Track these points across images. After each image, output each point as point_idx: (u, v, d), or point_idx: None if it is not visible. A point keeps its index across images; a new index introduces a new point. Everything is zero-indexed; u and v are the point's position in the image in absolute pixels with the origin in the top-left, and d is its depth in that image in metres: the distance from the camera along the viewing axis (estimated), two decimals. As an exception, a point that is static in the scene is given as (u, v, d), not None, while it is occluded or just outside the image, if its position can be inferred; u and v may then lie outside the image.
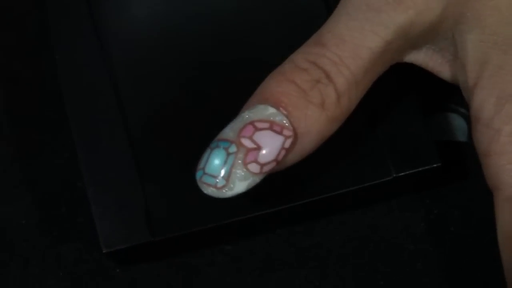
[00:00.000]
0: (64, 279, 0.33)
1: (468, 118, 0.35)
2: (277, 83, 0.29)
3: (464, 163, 0.34)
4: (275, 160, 0.28)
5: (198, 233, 0.31)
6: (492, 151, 0.29)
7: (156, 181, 0.32)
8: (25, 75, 0.36)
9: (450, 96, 0.32)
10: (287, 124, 0.28)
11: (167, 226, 0.31)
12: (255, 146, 0.28)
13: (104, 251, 0.31)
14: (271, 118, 0.28)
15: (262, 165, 0.28)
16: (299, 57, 0.29)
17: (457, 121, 0.35)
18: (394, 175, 0.31)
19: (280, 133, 0.28)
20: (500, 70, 0.29)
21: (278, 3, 0.34)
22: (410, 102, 0.32)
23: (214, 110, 0.32)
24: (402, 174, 0.31)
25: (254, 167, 0.28)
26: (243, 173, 0.28)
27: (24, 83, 0.36)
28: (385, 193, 0.33)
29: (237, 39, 0.33)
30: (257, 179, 0.28)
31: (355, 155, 0.32)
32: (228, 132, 0.29)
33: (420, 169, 0.31)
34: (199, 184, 0.29)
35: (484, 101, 0.29)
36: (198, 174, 0.29)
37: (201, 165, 0.29)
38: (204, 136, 0.30)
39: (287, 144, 0.28)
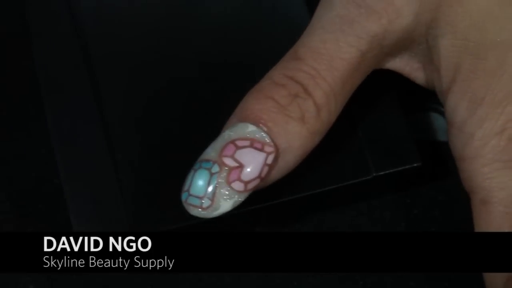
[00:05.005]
0: (40, 276, 0.33)
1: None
2: (255, 101, 0.29)
3: (445, 162, 0.34)
4: (259, 177, 0.29)
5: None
6: (466, 155, 0.29)
7: (134, 177, 0.31)
8: (1, 71, 0.36)
9: (431, 95, 0.32)
10: (268, 141, 0.29)
11: (145, 224, 0.31)
12: (237, 164, 0.28)
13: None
14: (252, 136, 0.29)
15: (246, 183, 0.28)
16: (276, 73, 0.30)
17: (438, 121, 0.35)
18: (374, 174, 0.31)
19: (261, 149, 0.28)
20: (471, 74, 0.29)
21: (264, 13, 0.34)
22: (391, 102, 0.32)
23: (193, 107, 0.32)
24: (382, 173, 0.31)
25: (238, 186, 0.28)
26: (227, 192, 0.28)
27: None
28: (365, 192, 0.33)
29: (223, 42, 0.33)
30: (242, 197, 0.29)
31: (335, 154, 0.32)
32: (210, 152, 0.29)
33: (400, 168, 0.32)
34: (185, 205, 0.29)
35: (457, 105, 0.29)
36: (184, 196, 0.29)
37: (185, 187, 0.29)
38: (182, 133, 0.30)
39: (270, 160, 0.29)
